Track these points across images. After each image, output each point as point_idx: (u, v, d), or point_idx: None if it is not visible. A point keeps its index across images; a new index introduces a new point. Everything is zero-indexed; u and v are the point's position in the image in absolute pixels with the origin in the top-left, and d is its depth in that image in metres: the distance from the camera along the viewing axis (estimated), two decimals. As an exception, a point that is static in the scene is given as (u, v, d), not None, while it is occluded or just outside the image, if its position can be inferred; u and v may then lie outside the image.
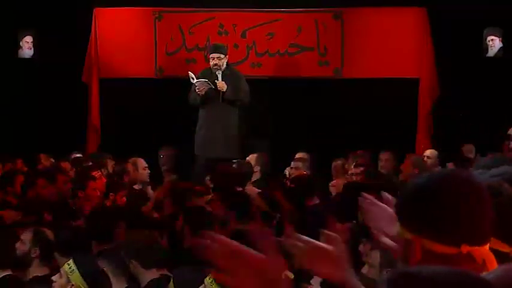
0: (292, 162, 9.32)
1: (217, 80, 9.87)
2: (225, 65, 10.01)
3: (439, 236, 1.91)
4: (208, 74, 9.97)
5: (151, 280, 5.14)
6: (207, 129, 10.04)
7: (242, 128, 10.17)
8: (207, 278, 4.41)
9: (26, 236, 5.45)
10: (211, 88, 9.84)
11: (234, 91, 9.92)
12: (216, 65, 9.93)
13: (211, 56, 10.07)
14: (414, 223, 1.95)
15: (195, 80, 9.89)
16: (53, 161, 9.84)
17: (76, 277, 4.57)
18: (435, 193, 1.94)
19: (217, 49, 10.16)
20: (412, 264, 1.91)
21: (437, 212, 1.91)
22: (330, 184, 9.03)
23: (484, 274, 1.74)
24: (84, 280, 4.57)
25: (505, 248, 2.12)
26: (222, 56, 10.02)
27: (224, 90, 9.86)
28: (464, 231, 1.91)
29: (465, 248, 1.90)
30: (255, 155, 9.35)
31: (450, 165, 8.07)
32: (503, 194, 2.21)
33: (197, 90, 9.87)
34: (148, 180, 8.91)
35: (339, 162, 9.44)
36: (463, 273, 1.52)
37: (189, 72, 10.05)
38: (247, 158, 9.33)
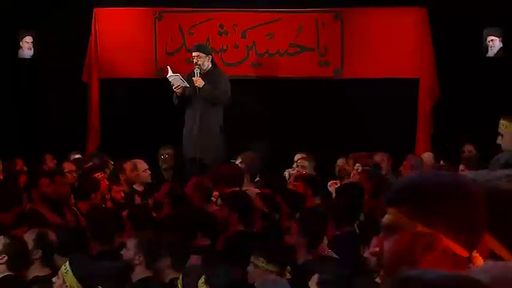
0: (294, 163, 9.29)
1: (195, 77, 9.87)
2: (206, 65, 9.99)
3: (458, 237, 1.82)
4: (192, 73, 9.99)
5: (141, 279, 5.12)
6: (187, 129, 10.04)
7: (228, 128, 10.10)
8: (200, 281, 4.44)
9: (29, 237, 5.43)
10: (187, 86, 9.85)
11: (211, 88, 9.88)
12: (196, 63, 9.94)
13: (192, 54, 10.09)
14: (438, 218, 1.83)
15: (169, 74, 9.92)
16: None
17: (69, 278, 4.60)
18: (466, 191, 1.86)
19: (195, 48, 10.21)
20: (419, 260, 1.82)
21: (467, 212, 1.83)
22: (328, 184, 9.01)
23: (473, 272, 1.70)
24: (78, 281, 4.59)
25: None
26: (202, 54, 10.01)
27: (200, 86, 9.84)
28: (480, 236, 1.86)
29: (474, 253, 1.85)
30: (242, 155, 9.30)
31: None
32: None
33: (173, 88, 9.90)
34: (150, 181, 8.91)
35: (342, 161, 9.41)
36: (468, 278, 1.52)
37: (168, 66, 10.10)
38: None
